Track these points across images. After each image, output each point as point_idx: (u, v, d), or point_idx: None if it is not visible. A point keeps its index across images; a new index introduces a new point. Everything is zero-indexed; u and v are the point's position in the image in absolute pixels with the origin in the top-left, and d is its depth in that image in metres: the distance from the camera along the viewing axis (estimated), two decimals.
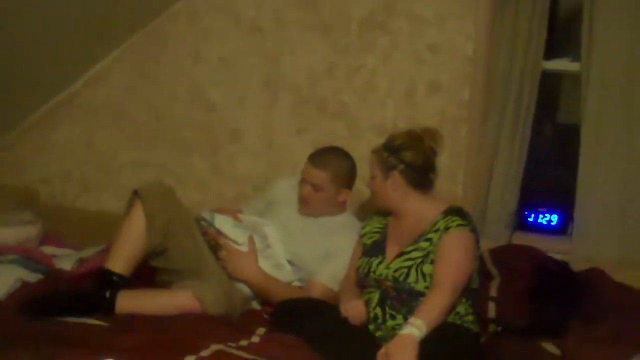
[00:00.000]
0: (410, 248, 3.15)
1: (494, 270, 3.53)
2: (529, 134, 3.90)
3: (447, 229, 3.12)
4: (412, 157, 3.20)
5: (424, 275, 3.08)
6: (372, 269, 3.20)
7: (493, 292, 3.45)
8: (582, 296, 3.41)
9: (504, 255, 3.61)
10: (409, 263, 3.12)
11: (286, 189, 3.68)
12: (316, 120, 4.19)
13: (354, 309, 3.17)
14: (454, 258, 3.07)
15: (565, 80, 4.02)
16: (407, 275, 3.10)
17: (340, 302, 3.25)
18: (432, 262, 3.09)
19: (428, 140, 3.24)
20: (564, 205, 3.92)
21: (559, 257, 3.62)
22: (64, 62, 4.28)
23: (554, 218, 3.97)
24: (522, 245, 3.74)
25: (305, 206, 3.57)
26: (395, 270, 3.13)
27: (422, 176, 3.23)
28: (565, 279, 3.50)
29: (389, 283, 3.13)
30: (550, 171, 4.06)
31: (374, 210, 3.41)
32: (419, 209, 3.22)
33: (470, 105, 3.95)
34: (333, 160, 3.52)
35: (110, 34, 4.31)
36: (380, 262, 3.20)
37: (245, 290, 3.42)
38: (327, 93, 4.18)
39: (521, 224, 3.97)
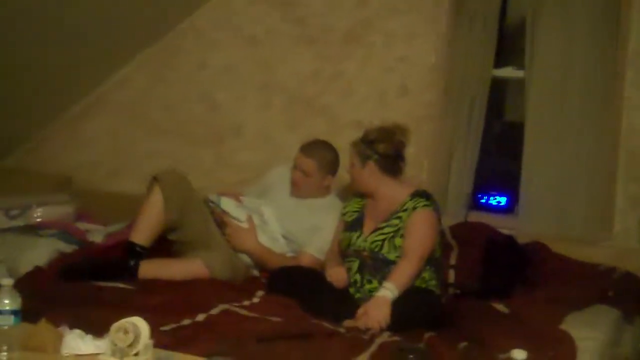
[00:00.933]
0: (383, 224, 3.15)
1: (453, 242, 3.53)
2: (482, 130, 3.87)
3: (414, 208, 3.12)
4: (385, 148, 3.18)
5: (395, 247, 3.08)
6: (352, 242, 3.20)
7: (452, 261, 3.46)
8: (526, 265, 3.43)
9: (461, 230, 3.61)
10: (383, 237, 3.12)
11: (280, 176, 3.66)
12: (304, 117, 4.16)
13: (337, 275, 3.18)
14: (420, 233, 3.09)
15: (511, 84, 4.01)
16: (382, 246, 3.10)
17: (325, 269, 3.26)
18: (401, 236, 3.09)
19: (398, 134, 3.22)
20: (511, 188, 3.92)
21: (506, 232, 3.63)
22: (94, 67, 4.27)
23: (503, 200, 3.96)
24: (476, 222, 3.74)
25: (296, 189, 3.55)
26: (372, 243, 3.13)
27: (393, 164, 3.22)
28: (511, 250, 3.51)
29: (366, 253, 3.13)
30: (499, 161, 4.05)
31: (353, 193, 3.40)
32: (390, 192, 3.21)
33: (433, 106, 3.94)
34: (319, 151, 3.51)
35: (131, 45, 4.30)
36: (359, 236, 3.20)
37: (246, 259, 3.42)
38: (313, 95, 4.16)
39: (475, 205, 3.96)
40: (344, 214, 3.37)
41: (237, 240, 3.40)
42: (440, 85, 3.92)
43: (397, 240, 3.09)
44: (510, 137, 3.93)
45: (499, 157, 4.05)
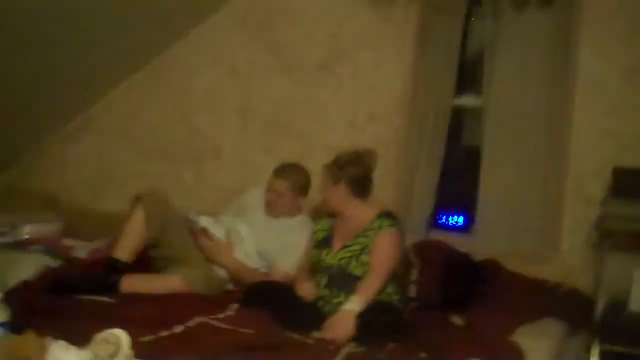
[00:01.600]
0: (351, 242, 3.18)
1: (414, 259, 3.56)
2: (442, 154, 3.93)
3: (380, 227, 3.15)
4: (355, 171, 3.21)
5: (362, 264, 3.11)
6: (322, 259, 3.22)
7: (414, 276, 3.49)
8: (481, 280, 3.47)
9: (423, 248, 3.63)
10: (350, 254, 3.15)
11: (256, 197, 3.66)
12: (280, 141, 4.19)
13: (307, 290, 3.21)
14: (385, 251, 3.12)
15: (469, 111, 4.07)
16: (349, 263, 3.13)
17: (296, 283, 3.28)
18: (368, 253, 3.12)
19: (367, 158, 3.25)
20: (468, 209, 3.95)
21: (463, 249, 3.67)
22: (81, 92, 4.29)
23: (460, 219, 4.01)
24: (436, 240, 3.77)
25: (270, 209, 3.57)
26: (340, 259, 3.16)
27: (362, 186, 3.24)
28: (468, 266, 3.55)
29: (334, 269, 3.16)
30: (457, 183, 4.09)
31: (323, 212, 3.42)
32: (358, 213, 3.23)
33: (399, 131, 3.98)
34: (293, 173, 3.53)
35: (118, 71, 4.32)
36: (327, 253, 3.22)
37: (223, 274, 3.43)
38: (288, 120, 4.20)
39: (435, 224, 4.00)
40: (315, 232, 3.39)
41: (216, 254, 3.42)
42: (406, 111, 3.96)
43: (364, 257, 3.12)
44: (468, 161, 3.96)
45: (458, 180, 4.08)
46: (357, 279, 3.09)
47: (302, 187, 3.56)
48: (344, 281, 3.12)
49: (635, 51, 3.59)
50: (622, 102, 3.61)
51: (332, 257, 3.19)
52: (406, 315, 3.25)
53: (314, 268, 3.29)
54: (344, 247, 3.19)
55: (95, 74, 4.16)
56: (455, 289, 3.42)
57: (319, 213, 3.47)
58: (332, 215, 3.34)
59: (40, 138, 4.51)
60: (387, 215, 3.21)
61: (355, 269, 3.12)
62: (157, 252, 3.35)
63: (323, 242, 3.30)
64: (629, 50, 3.59)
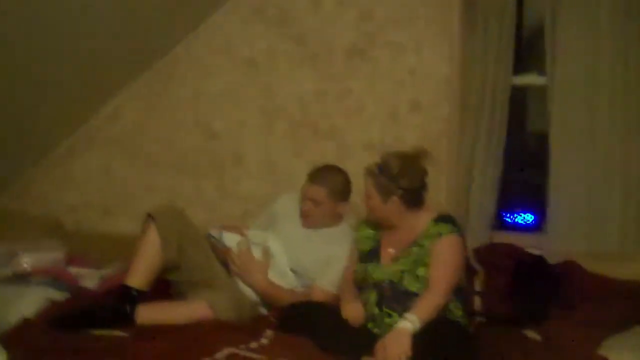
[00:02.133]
0: (404, 253, 3.15)
1: (478, 266, 3.54)
2: (503, 143, 3.89)
3: (439, 235, 3.12)
4: (410, 182, 3.16)
5: (417, 278, 3.07)
6: (369, 274, 3.18)
7: (478, 286, 3.47)
8: (558, 286, 3.41)
9: (487, 253, 3.61)
10: (403, 267, 3.11)
11: (288, 205, 3.67)
12: (310, 142, 4.19)
13: (353, 312, 3.16)
14: (447, 262, 3.08)
15: (532, 92, 4.01)
16: (402, 278, 3.09)
17: (340, 304, 3.24)
18: (424, 266, 3.08)
19: (421, 162, 3.21)
20: (538, 205, 3.91)
21: (535, 252, 3.61)
22: (81, 101, 4.31)
23: (529, 217, 3.95)
24: (502, 243, 3.74)
25: (307, 220, 3.56)
26: (391, 274, 3.12)
27: (417, 196, 3.22)
28: (542, 271, 3.49)
29: (385, 285, 3.11)
30: (524, 176, 4.03)
31: (367, 220, 3.38)
32: (412, 221, 3.20)
33: (449, 120, 3.95)
34: (329, 177, 3.52)
35: (120, 74, 4.34)
36: (376, 267, 3.18)
37: (253, 297, 3.42)
38: (318, 117, 4.19)
39: (500, 224, 3.98)
40: (357, 242, 3.36)
41: (246, 274, 3.42)
42: (456, 97, 3.94)
43: (420, 270, 3.08)
44: (535, 149, 3.91)
45: (524, 172, 4.03)
46: (414, 295, 3.05)
47: (342, 192, 3.55)
48: (397, 299, 3.08)
49: None
50: None
51: (381, 272, 3.16)
52: (472, 332, 3.20)
53: (360, 284, 3.26)
54: (396, 259, 3.15)
55: (96, 80, 4.18)
56: (528, 298, 3.37)
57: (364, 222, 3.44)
58: (382, 227, 3.30)
59: (38, 156, 4.55)
60: (445, 219, 3.18)
61: (410, 284, 3.08)
62: (177, 276, 3.35)
63: (370, 255, 3.27)
64: None
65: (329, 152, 4.08)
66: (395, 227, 3.23)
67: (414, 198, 3.19)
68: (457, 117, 3.94)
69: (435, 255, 3.08)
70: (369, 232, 3.33)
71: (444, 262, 3.07)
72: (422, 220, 3.18)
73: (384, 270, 3.15)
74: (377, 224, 3.30)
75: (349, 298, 3.25)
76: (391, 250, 3.20)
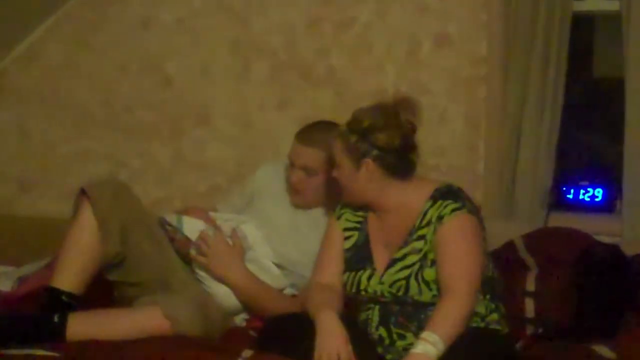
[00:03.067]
0: (402, 252, 3.09)
1: (529, 260, 3.53)
2: (562, 93, 3.90)
3: (440, 218, 3.06)
4: (387, 138, 3.09)
5: (427, 284, 3.01)
6: (363, 287, 3.13)
7: (530, 286, 3.46)
8: (638, 287, 3.39)
9: (541, 241, 3.60)
10: (406, 272, 3.05)
11: (270, 178, 3.67)
12: (299, 90, 4.21)
13: (329, 350, 2.95)
14: (459, 253, 3.01)
15: (601, 23, 3.99)
16: (407, 287, 3.03)
17: (317, 333, 3.03)
18: (432, 265, 3.03)
19: (404, 114, 3.14)
20: (610, 177, 3.93)
21: (606, 240, 3.61)
22: None
23: (598, 193, 3.96)
24: (561, 228, 3.72)
25: (297, 196, 3.54)
26: (391, 285, 3.06)
27: (401, 160, 3.15)
28: (616, 266, 3.46)
29: (388, 300, 3.08)
30: (590, 137, 4.03)
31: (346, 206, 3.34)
32: (402, 200, 3.15)
33: (488, 61, 3.97)
34: (326, 136, 3.41)
35: (39, 3, 4.32)
36: (370, 276, 3.13)
37: (229, 301, 3.40)
38: (310, 56, 4.19)
39: (559, 202, 3.98)
40: (342, 231, 3.29)
41: (218, 262, 3.39)
42: (498, 29, 3.95)
43: (428, 273, 3.02)
44: (605, 101, 3.90)
45: (591, 132, 4.03)
46: (427, 306, 3.02)
47: None
48: (406, 313, 3.05)
49: None
50: None
51: (378, 283, 3.11)
52: (520, 347, 3.19)
53: (354, 299, 3.20)
54: (393, 262, 3.10)
55: (6, 11, 4.13)
56: (597, 302, 3.33)
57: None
58: (360, 208, 3.26)
59: None
60: (446, 193, 3.11)
61: (418, 294, 3.03)
62: (120, 275, 3.33)
63: (358, 257, 3.21)
64: None
65: (325, 104, 4.10)
66: (380, 210, 3.19)
67: (397, 163, 3.13)
68: (500, 56, 3.95)
69: (442, 248, 3.02)
70: (352, 219, 3.28)
71: (455, 254, 3.01)
72: (416, 200, 3.13)
73: (382, 280, 3.09)
74: (358, 207, 3.26)
75: (326, 310, 3.06)
76: (385, 249, 3.16)
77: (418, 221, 3.08)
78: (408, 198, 3.13)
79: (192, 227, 3.45)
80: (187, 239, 3.42)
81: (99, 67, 4.43)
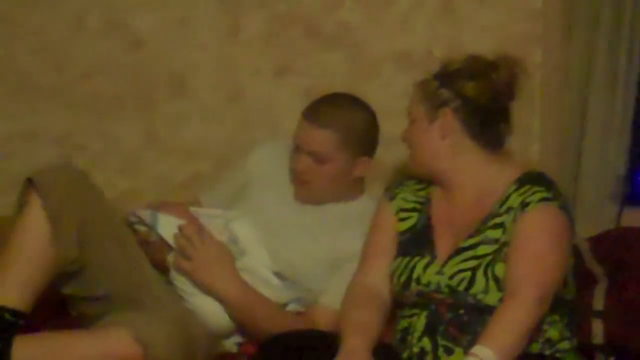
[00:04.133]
0: (472, 241, 3.12)
1: (598, 270, 3.54)
2: (638, 59, 3.91)
3: (524, 206, 3.08)
4: (476, 89, 3.15)
5: (497, 281, 3.03)
6: (416, 275, 3.15)
7: (598, 304, 3.46)
8: None
9: (613, 245, 3.62)
10: (473, 263, 3.08)
11: (267, 163, 3.69)
12: (303, 52, 4.21)
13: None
14: (539, 252, 3.03)
15: None
16: (472, 282, 3.05)
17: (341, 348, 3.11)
18: (503, 259, 3.05)
19: (504, 72, 3.19)
20: None
21: None
22: None
23: None
24: (638, 228, 3.74)
25: (303, 187, 3.56)
26: (452, 276, 3.08)
27: (488, 123, 3.20)
28: None
29: (442, 296, 3.09)
30: None
31: (408, 176, 3.41)
32: (481, 176, 3.21)
33: (545, 15, 3.98)
34: (341, 114, 3.50)
35: None
36: (428, 264, 3.15)
37: (217, 320, 3.41)
38: (316, 9, 4.20)
39: (635, 195, 4.00)
40: (396, 213, 3.34)
41: (207, 272, 3.39)
42: None
43: (500, 268, 3.04)
44: None
45: None
46: (491, 314, 3.01)
47: (362, 141, 3.55)
48: (461, 322, 3.07)
49: None
50: None
51: (437, 273, 3.13)
52: None
53: (398, 296, 3.23)
54: (460, 250, 3.13)
55: None
56: None
57: (401, 181, 3.44)
58: (427, 179, 3.31)
59: None
60: (537, 180, 3.16)
61: (484, 292, 3.05)
62: (78, 287, 3.34)
63: (415, 241, 3.25)
64: None
65: (335, 70, 4.11)
66: (451, 185, 3.24)
67: (481, 124, 3.19)
68: (560, 9, 3.96)
69: (519, 242, 3.05)
70: (412, 199, 3.33)
71: (533, 253, 3.03)
72: (500, 180, 3.17)
73: (441, 269, 3.12)
74: (424, 177, 3.31)
75: (357, 335, 3.13)
76: (450, 236, 3.19)
77: (497, 206, 3.12)
78: (488, 176, 3.21)
79: (169, 225, 3.46)
80: (164, 241, 3.43)
81: (43, 23, 4.39)
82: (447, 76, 3.18)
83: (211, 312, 3.39)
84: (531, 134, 3.92)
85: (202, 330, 3.36)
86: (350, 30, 4.15)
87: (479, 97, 3.15)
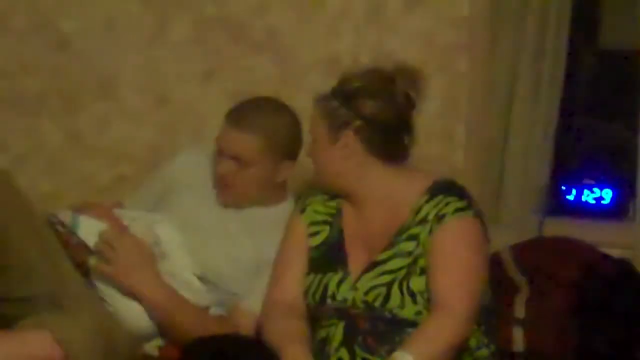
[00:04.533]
0: (385, 254, 3.14)
1: (519, 278, 3.56)
2: (562, 67, 3.95)
3: (440, 218, 3.10)
4: (376, 108, 3.16)
5: (412, 295, 3.05)
6: (331, 292, 3.17)
7: (519, 312, 3.49)
8: None
9: (534, 254, 3.64)
10: (388, 278, 3.10)
11: (192, 167, 3.67)
12: (230, 55, 4.20)
13: None
14: (461, 263, 3.07)
15: None
16: (387, 297, 3.07)
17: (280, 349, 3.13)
18: (422, 273, 3.07)
19: (402, 84, 3.20)
20: (621, 174, 3.98)
21: (616, 253, 3.65)
22: None
23: (607, 195, 4.00)
24: (560, 238, 3.77)
25: (226, 191, 3.55)
26: (367, 292, 3.10)
27: (391, 138, 3.22)
28: (627, 286, 3.51)
29: (359, 311, 3.10)
30: (597, 124, 4.07)
31: (317, 191, 3.41)
32: (389, 189, 3.22)
33: (472, 24, 3.98)
34: (264, 118, 3.49)
35: None
36: (341, 280, 3.17)
37: (138, 323, 3.38)
38: (244, 12, 4.19)
39: (557, 205, 4.03)
40: (307, 227, 3.35)
41: (128, 274, 3.36)
42: None
43: (415, 282, 3.07)
44: (614, 79, 3.93)
45: (597, 118, 4.06)
46: (407, 326, 3.06)
47: (285, 144, 3.53)
48: (378, 333, 3.08)
49: None
50: None
51: (350, 288, 3.15)
52: None
53: (315, 310, 3.24)
54: (373, 264, 3.15)
55: None
56: (602, 330, 3.40)
57: (311, 193, 3.45)
58: (337, 194, 3.31)
59: None
60: (448, 189, 3.18)
61: (400, 307, 3.07)
62: None
63: (329, 256, 3.26)
64: None
65: (262, 73, 4.11)
66: (360, 200, 3.25)
67: (384, 140, 3.20)
68: (486, 18, 3.98)
69: (439, 255, 3.07)
70: (322, 212, 3.34)
71: (456, 265, 3.06)
72: (409, 191, 3.19)
73: (355, 285, 3.14)
74: (334, 193, 3.32)
75: (293, 336, 3.18)
76: (363, 250, 3.21)
77: (410, 218, 3.13)
78: (397, 189, 3.21)
79: (91, 228, 3.42)
80: (85, 243, 3.41)
81: None
82: (346, 95, 3.18)
83: (132, 314, 3.36)
84: (455, 141, 3.93)
85: (123, 333, 3.33)
86: (278, 35, 4.14)
87: (380, 115, 3.16)
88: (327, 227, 3.29)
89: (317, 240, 3.29)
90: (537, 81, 3.91)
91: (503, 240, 3.57)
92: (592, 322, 3.42)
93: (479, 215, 3.17)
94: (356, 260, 3.19)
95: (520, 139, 3.93)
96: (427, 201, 3.13)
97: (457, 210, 3.10)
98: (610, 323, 3.41)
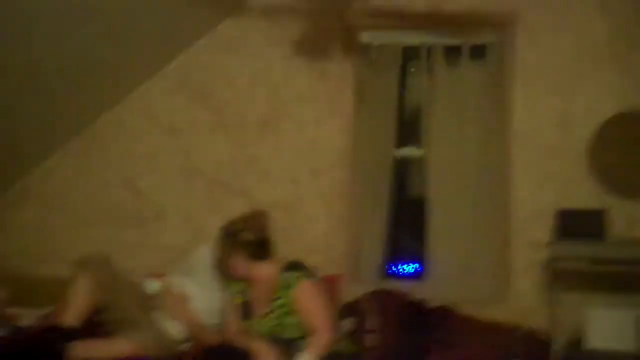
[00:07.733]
0: (271, 307, 3.12)
1: (370, 307, 3.47)
2: (387, 205, 3.93)
3: (288, 286, 3.09)
4: (248, 236, 3.17)
5: (292, 325, 3.06)
6: (253, 327, 3.14)
7: (372, 325, 3.40)
8: (437, 326, 3.42)
9: (378, 296, 3.56)
10: (277, 320, 3.09)
11: (203, 254, 3.56)
12: (224, 199, 4.07)
13: (265, 351, 3.01)
14: (311, 305, 3.07)
15: (412, 162, 4.12)
16: (281, 329, 3.07)
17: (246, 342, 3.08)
18: (289, 313, 3.06)
19: (258, 220, 3.22)
20: (420, 257, 3.96)
21: (418, 297, 3.61)
22: (18, 160, 4.09)
23: (412, 268, 4.00)
24: (390, 288, 3.69)
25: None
26: (271, 327, 3.09)
27: (259, 248, 3.19)
28: (423, 312, 3.51)
29: (271, 338, 3.06)
30: (407, 232, 4.08)
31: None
32: (264, 274, 3.18)
33: (343, 184, 3.96)
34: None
35: (55, 137, 4.16)
36: (256, 322, 3.15)
37: (176, 334, 3.30)
38: (231, 178, 4.10)
39: (389, 273, 3.99)
40: (230, 296, 3.29)
41: (175, 310, 3.30)
42: (349, 165, 3.97)
43: (289, 320, 3.07)
44: (416, 211, 3.99)
45: (407, 229, 4.09)
46: (298, 340, 3.03)
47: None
48: (284, 348, 3.03)
49: (565, 99, 3.73)
50: (557, 148, 3.74)
51: (262, 325, 3.12)
52: None
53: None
54: (267, 313, 3.12)
55: (31, 141, 3.99)
56: (412, 336, 3.36)
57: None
58: (241, 280, 3.26)
59: None
60: (290, 267, 3.17)
61: (289, 333, 3.07)
62: (105, 317, 3.23)
63: (246, 310, 3.21)
64: (560, 99, 3.74)
65: (240, 208, 3.84)
66: (253, 281, 3.19)
67: (256, 250, 3.17)
68: (350, 181, 3.96)
69: (301, 305, 3.07)
70: (237, 287, 3.27)
71: (311, 307, 3.06)
72: (273, 273, 3.15)
73: (264, 324, 3.11)
74: (239, 280, 3.25)
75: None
76: (260, 305, 3.17)
77: (276, 287, 3.10)
78: (267, 273, 3.16)
79: (153, 285, 3.38)
80: (153, 292, 3.36)
81: (93, 182, 4.19)
82: (232, 233, 3.18)
83: (176, 330, 3.29)
84: (338, 241, 3.85)
85: (169, 339, 3.24)
86: (248, 188, 4.04)
87: (250, 238, 3.17)
88: (242, 297, 3.24)
89: (239, 301, 3.24)
90: (376, 213, 3.89)
91: (360, 289, 3.54)
92: (406, 329, 3.37)
93: (311, 276, 3.15)
94: (259, 311, 3.15)
95: (369, 241, 3.90)
96: (282, 275, 3.12)
97: (297, 278, 3.10)
98: (415, 330, 3.37)
